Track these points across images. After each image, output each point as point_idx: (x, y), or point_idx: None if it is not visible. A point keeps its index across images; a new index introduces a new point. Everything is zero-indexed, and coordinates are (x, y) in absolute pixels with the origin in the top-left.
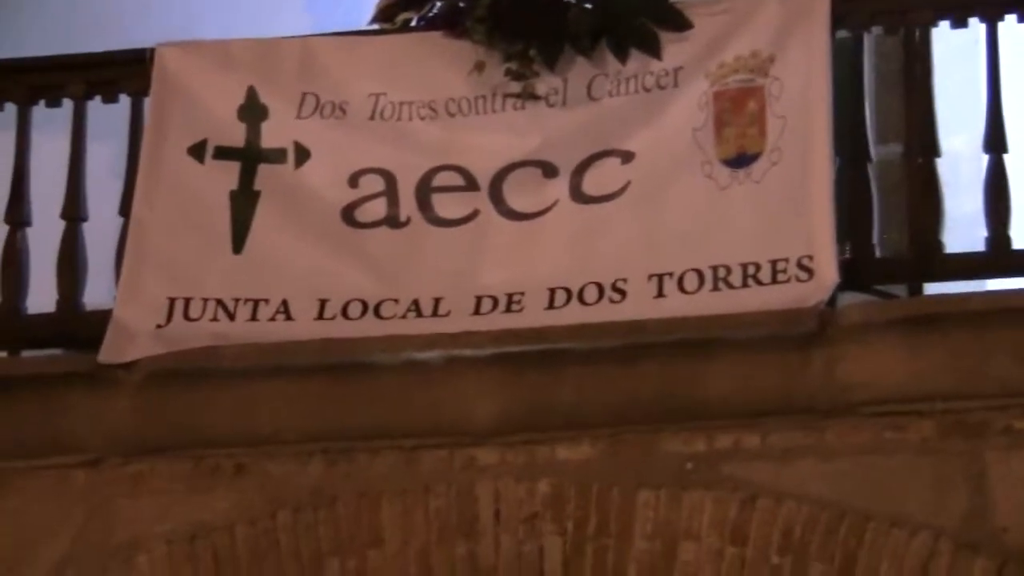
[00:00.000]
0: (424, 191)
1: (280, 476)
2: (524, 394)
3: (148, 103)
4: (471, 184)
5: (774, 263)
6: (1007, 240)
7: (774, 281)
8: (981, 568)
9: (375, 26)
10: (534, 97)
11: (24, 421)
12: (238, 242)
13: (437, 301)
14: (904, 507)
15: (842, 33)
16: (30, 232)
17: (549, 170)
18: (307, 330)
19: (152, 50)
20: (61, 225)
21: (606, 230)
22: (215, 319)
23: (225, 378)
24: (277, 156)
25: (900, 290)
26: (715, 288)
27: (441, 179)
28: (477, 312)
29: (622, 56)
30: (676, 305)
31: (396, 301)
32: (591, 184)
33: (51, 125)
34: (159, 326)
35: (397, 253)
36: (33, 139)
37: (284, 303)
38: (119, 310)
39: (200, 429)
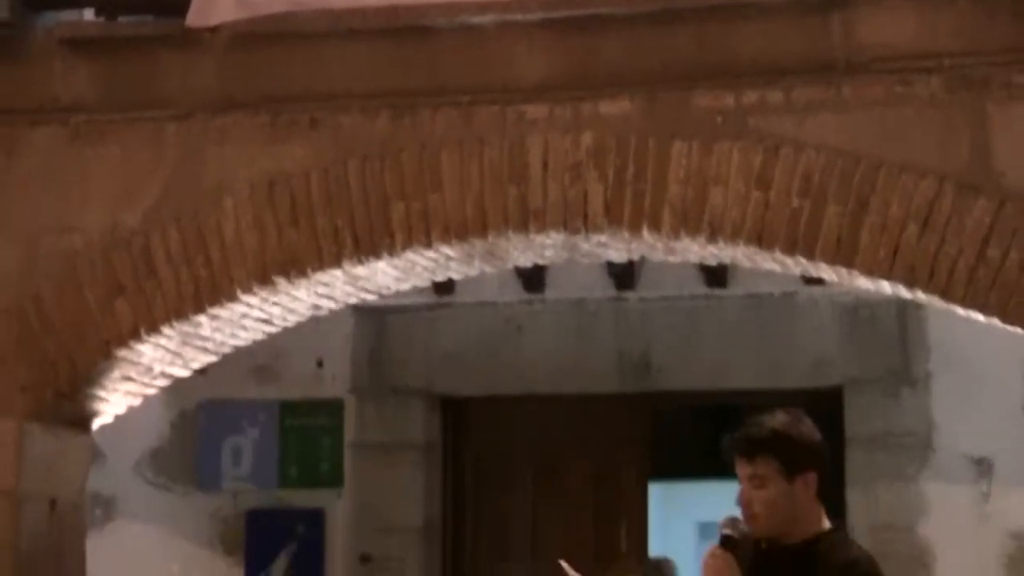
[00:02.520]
0: None
1: (350, 128)
2: (570, 55)
3: None
4: None
5: None
6: None
7: None
8: (981, 207)
9: None
10: None
11: (121, 79)
12: None
13: None
14: (912, 154)
15: None
16: None
17: None
18: None
19: None
20: None
21: None
22: None
23: (301, 41)
24: None
25: None
26: None
27: None
28: None
29: None
30: None
31: None
32: None
33: None
34: None
35: None
36: None
37: None
38: None
39: (278, 87)
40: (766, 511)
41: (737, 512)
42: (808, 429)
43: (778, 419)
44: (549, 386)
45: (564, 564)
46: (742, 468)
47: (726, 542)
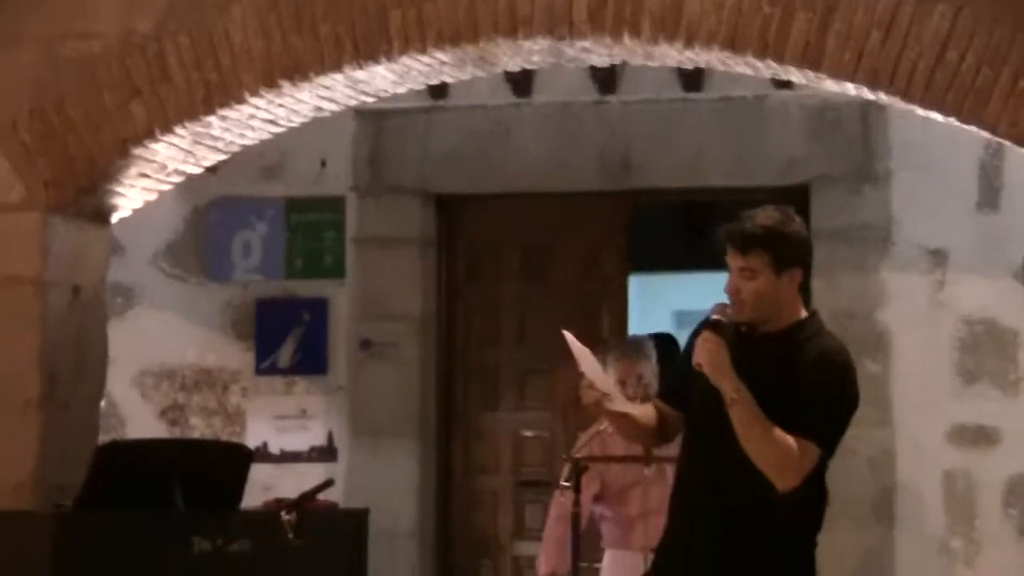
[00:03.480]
0: None
1: None
2: None
3: None
4: None
5: None
6: None
7: None
8: (940, 13)
9: None
10: None
11: None
12: None
13: None
14: None
15: None
16: None
17: None
18: None
19: None
20: None
21: None
22: None
23: None
24: None
25: None
26: None
27: None
28: None
29: None
30: None
31: None
32: None
33: None
34: None
35: None
36: None
37: None
38: None
39: None
40: (753, 300)
41: (724, 299)
42: (799, 227)
43: (773, 216)
44: (536, 184)
45: (567, 334)
46: (734, 259)
47: (715, 327)
